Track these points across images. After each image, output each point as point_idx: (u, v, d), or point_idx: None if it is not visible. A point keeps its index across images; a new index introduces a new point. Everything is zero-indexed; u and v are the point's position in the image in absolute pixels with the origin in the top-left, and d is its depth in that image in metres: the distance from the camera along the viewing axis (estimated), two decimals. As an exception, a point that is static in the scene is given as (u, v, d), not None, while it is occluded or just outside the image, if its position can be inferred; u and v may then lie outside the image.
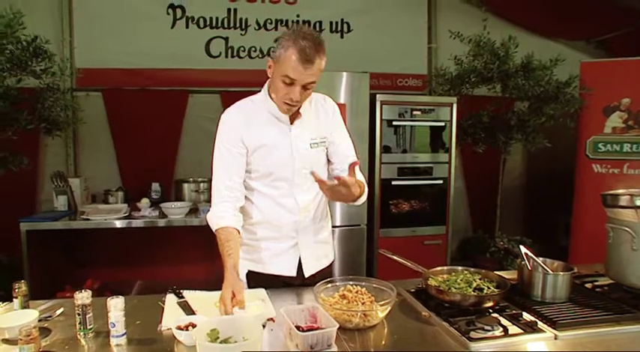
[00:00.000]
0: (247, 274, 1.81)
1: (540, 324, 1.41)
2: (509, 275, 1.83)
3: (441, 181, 3.80)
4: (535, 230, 4.61)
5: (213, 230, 1.69)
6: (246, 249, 1.81)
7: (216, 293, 1.65)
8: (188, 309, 1.50)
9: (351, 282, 1.58)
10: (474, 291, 1.53)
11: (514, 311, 1.48)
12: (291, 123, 1.73)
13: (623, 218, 1.65)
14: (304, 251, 1.81)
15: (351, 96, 3.40)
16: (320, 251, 1.88)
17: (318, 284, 1.56)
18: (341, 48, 4.34)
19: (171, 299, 1.60)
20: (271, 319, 1.46)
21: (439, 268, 1.71)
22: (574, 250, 4.15)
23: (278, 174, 1.74)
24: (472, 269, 1.69)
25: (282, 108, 1.67)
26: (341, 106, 3.35)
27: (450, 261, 3.99)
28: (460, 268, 1.71)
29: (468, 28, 3.89)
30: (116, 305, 1.25)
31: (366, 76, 3.47)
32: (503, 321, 1.41)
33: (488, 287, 1.55)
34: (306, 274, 1.81)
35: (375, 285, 1.57)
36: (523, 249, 1.69)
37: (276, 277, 1.79)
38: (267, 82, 1.73)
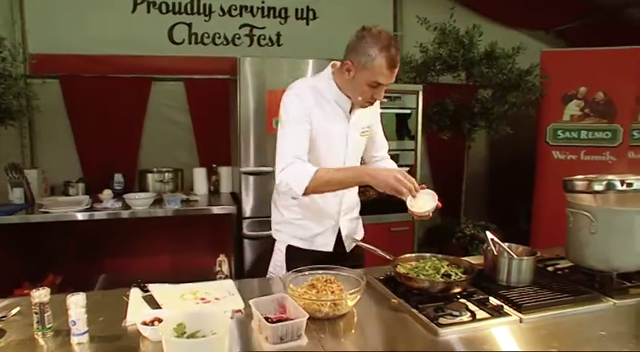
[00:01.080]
0: (287, 248, 1.93)
1: (506, 308, 1.44)
2: (475, 260, 1.87)
3: (407, 168, 3.83)
4: (497, 215, 4.73)
5: (307, 181, 1.67)
6: (287, 226, 1.95)
7: (183, 286, 1.63)
8: (153, 303, 1.46)
9: (320, 271, 1.57)
10: (442, 278, 1.54)
11: (481, 296, 1.51)
12: (350, 112, 1.85)
13: (582, 202, 1.70)
14: (344, 229, 1.97)
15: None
16: (355, 227, 2.07)
17: (287, 273, 1.54)
18: (307, 35, 4.29)
19: (135, 293, 1.55)
20: (239, 310, 1.44)
21: (407, 255, 1.73)
22: (535, 234, 4.28)
23: (332, 158, 1.84)
24: (440, 255, 1.71)
25: (362, 106, 1.81)
26: (308, 94, 3.35)
27: (417, 248, 4.04)
28: (428, 255, 1.73)
29: (433, 16, 3.90)
30: (77, 302, 1.20)
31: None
32: (471, 306, 1.44)
33: (456, 273, 1.57)
34: (348, 249, 1.98)
35: (344, 274, 1.56)
36: (489, 235, 1.72)
37: (316, 252, 1.92)
38: (334, 72, 1.82)
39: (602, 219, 1.64)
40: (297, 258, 1.86)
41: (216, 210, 3.25)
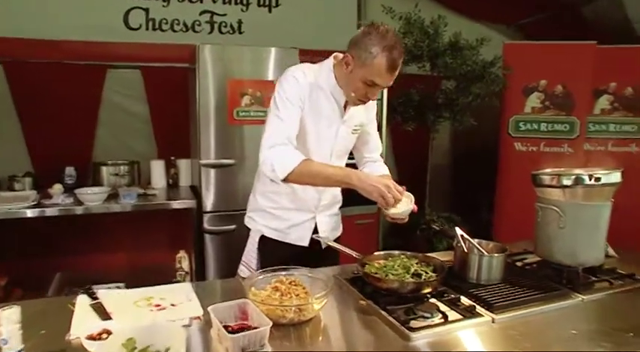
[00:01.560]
0: (260, 239, 1.87)
1: (478, 308, 1.39)
2: (443, 256, 1.83)
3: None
4: (461, 206, 4.75)
5: (293, 166, 1.60)
6: (263, 215, 1.89)
7: (136, 292, 1.51)
8: (102, 313, 1.33)
9: (283, 273, 1.49)
10: (412, 277, 1.48)
11: (452, 296, 1.46)
12: (344, 108, 1.79)
13: (552, 197, 1.67)
14: (321, 225, 1.90)
15: (280, 72, 3.19)
16: (335, 223, 2.00)
17: (249, 276, 1.45)
18: (269, 23, 4.15)
19: (82, 301, 1.41)
20: (197, 317, 1.34)
21: (375, 253, 1.66)
22: (498, 224, 4.33)
23: (319, 151, 1.78)
24: (409, 253, 1.65)
25: (355, 103, 1.74)
26: (269, 83, 3.23)
27: (382, 240, 4.02)
28: (397, 252, 1.66)
29: (398, 6, 3.84)
30: (9, 317, 1.05)
31: (295, 52, 3.33)
32: (442, 307, 1.38)
33: (426, 272, 1.51)
34: (323, 245, 1.90)
35: (309, 275, 1.48)
36: (458, 231, 1.68)
37: (290, 246, 1.86)
38: (335, 64, 1.75)
39: (571, 213, 1.62)
40: (271, 250, 1.84)
41: (175, 204, 3.10)
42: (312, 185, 1.77)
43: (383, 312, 1.35)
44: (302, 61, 3.48)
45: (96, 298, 1.42)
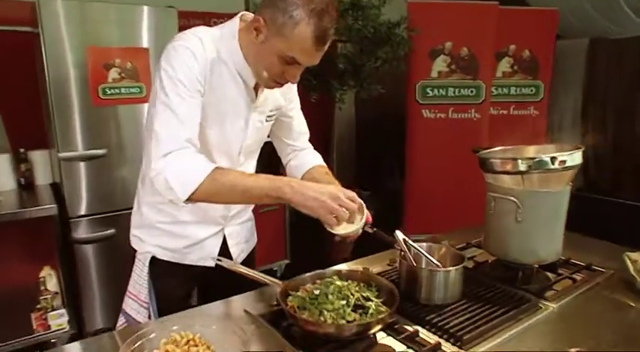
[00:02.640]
0: (151, 262, 1.41)
1: (444, 345, 1.05)
2: (375, 262, 1.51)
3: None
4: (369, 178, 4.55)
5: (199, 181, 1.13)
6: (153, 232, 1.43)
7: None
8: None
9: (175, 327, 1.03)
10: (353, 310, 1.10)
11: (408, 329, 1.09)
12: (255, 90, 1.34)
13: (507, 186, 1.37)
14: (231, 238, 1.51)
15: (155, 38, 2.60)
16: (247, 231, 1.60)
17: (128, 341, 0.97)
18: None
19: None
20: None
21: (300, 277, 1.24)
22: (408, 193, 4.15)
23: (223, 148, 1.36)
24: (344, 269, 1.27)
25: (268, 85, 1.30)
26: (142, 51, 2.60)
27: (289, 228, 3.65)
28: (327, 271, 1.26)
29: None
30: None
31: (173, 13, 2.70)
32: (399, 348, 1.02)
33: (370, 299, 1.14)
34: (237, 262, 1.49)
35: (214, 327, 1.04)
36: (400, 235, 1.32)
37: (192, 268, 1.45)
38: (241, 29, 1.27)
39: (530, 204, 1.33)
40: (166, 276, 1.42)
41: (29, 212, 2.39)
42: (227, 203, 1.33)
43: (323, 373, 0.96)
44: (183, 26, 2.96)
45: None
